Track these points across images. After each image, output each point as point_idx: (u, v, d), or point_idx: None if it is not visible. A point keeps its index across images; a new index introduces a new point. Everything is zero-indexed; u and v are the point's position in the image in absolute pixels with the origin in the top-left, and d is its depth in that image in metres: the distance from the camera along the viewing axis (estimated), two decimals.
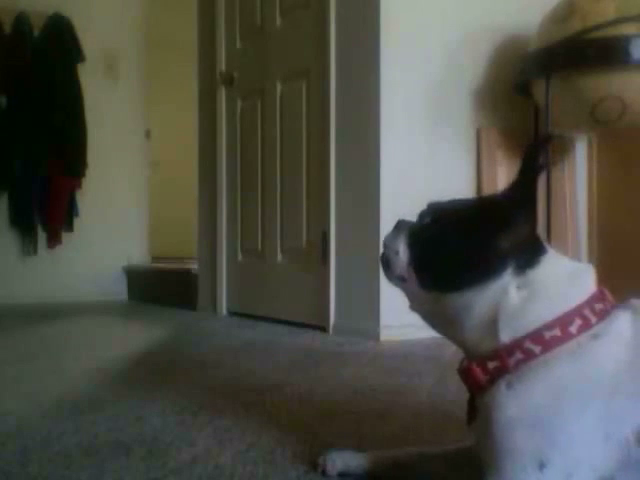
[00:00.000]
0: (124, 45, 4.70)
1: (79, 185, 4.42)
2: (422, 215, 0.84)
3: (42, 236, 4.39)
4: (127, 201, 4.71)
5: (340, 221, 2.64)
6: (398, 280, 0.83)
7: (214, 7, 3.50)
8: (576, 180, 2.87)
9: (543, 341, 0.72)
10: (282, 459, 1.01)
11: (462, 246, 0.77)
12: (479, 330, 0.76)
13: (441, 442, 1.00)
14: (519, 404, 0.71)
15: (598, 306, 0.75)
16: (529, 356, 0.72)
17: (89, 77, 4.45)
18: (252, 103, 3.26)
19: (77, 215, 4.44)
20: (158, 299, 4.18)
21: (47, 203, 4.30)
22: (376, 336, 2.39)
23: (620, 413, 0.69)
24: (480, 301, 0.75)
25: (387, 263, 0.84)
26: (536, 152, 0.78)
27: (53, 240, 4.38)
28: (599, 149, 2.87)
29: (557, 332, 0.72)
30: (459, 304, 0.76)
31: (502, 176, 2.69)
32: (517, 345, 0.73)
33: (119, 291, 4.62)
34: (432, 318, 0.83)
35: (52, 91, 4.23)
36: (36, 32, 4.30)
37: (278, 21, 3.08)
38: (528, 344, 0.73)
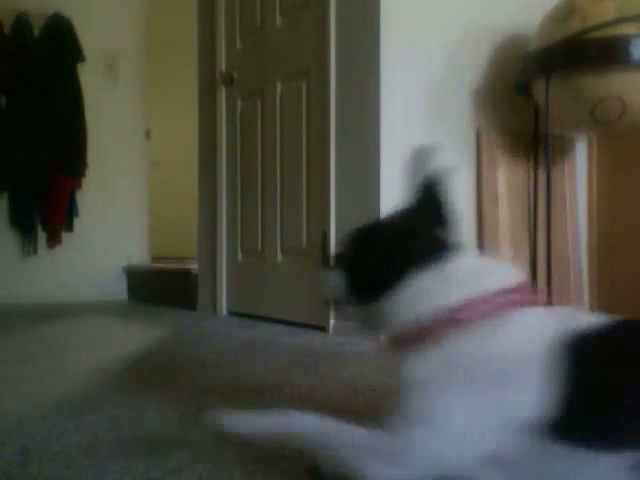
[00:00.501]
0: (124, 45, 4.70)
1: (79, 185, 4.42)
2: (345, 247, 0.98)
3: (42, 236, 4.39)
4: (127, 201, 4.71)
5: (340, 221, 2.64)
6: (335, 304, 0.99)
7: (214, 7, 3.50)
8: (576, 180, 2.87)
9: (448, 324, 0.83)
10: (282, 459, 1.01)
11: (380, 265, 0.90)
12: (401, 323, 0.87)
13: None
14: (420, 371, 0.82)
15: (508, 297, 0.84)
16: (436, 337, 0.83)
17: (89, 77, 4.45)
18: (252, 103, 3.26)
19: (77, 215, 4.44)
20: (158, 299, 4.18)
21: (47, 203, 4.30)
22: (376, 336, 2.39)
23: (515, 396, 0.76)
24: (403, 301, 0.87)
25: (331, 301, 1.00)
26: (432, 178, 0.93)
27: (53, 240, 4.38)
28: (599, 149, 2.87)
29: (461, 316, 0.82)
30: (386, 309, 0.89)
31: (502, 176, 2.69)
32: (428, 329, 0.84)
33: (119, 291, 4.62)
34: (365, 323, 0.98)
35: (52, 91, 4.23)
36: (36, 32, 4.30)
37: (278, 21, 3.08)
38: (436, 327, 0.83)
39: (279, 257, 3.06)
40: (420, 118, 2.55)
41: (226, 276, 3.43)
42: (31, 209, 4.31)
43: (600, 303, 2.84)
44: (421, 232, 0.90)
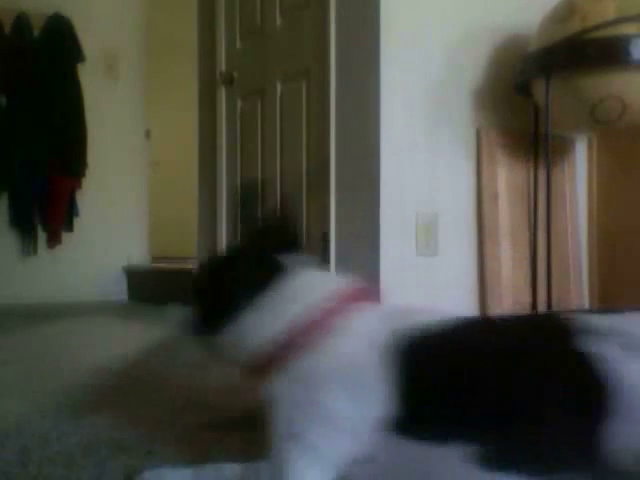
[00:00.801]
0: (124, 45, 4.70)
1: (79, 185, 4.42)
2: (192, 282, 1.06)
3: (42, 236, 4.39)
4: (127, 201, 4.71)
5: (340, 221, 2.64)
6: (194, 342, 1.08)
7: (214, 7, 3.50)
8: (576, 180, 2.87)
9: (291, 343, 0.88)
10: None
11: (218, 297, 0.97)
12: (248, 351, 0.93)
13: None
14: (281, 390, 0.87)
15: (344, 307, 0.90)
16: (283, 358, 0.88)
17: (89, 77, 4.45)
18: (252, 103, 3.26)
19: (77, 215, 4.44)
20: (158, 299, 4.18)
21: (47, 203, 4.31)
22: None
23: (364, 400, 0.80)
24: (245, 327, 0.94)
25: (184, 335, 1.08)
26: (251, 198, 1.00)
27: (53, 240, 4.38)
28: (599, 149, 2.87)
29: (302, 333, 0.88)
30: (233, 336, 0.96)
31: (502, 176, 2.69)
32: (274, 354, 0.90)
33: (119, 291, 4.62)
34: (220, 354, 1.03)
35: (52, 91, 4.23)
36: (36, 32, 4.30)
37: (278, 21, 3.08)
38: (280, 349, 0.89)
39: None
40: (420, 118, 2.55)
41: None
42: (31, 209, 4.32)
43: (600, 303, 2.84)
44: (252, 262, 0.96)
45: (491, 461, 0.74)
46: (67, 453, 1.05)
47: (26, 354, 2.26)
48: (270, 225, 1.02)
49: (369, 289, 0.95)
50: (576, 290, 2.82)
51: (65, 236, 4.42)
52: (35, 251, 4.37)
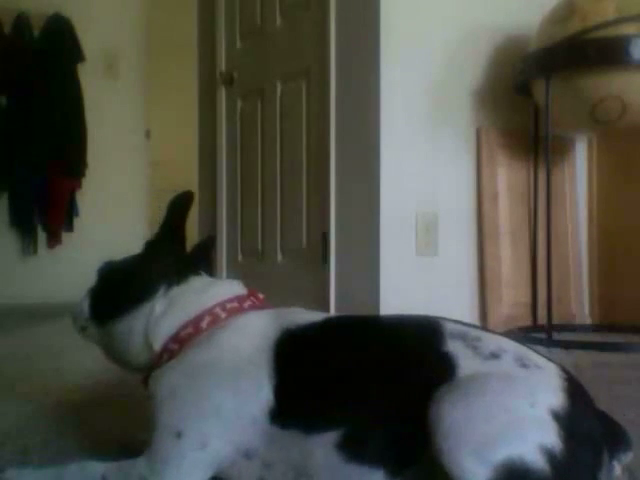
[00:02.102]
0: (124, 45, 4.70)
1: (79, 185, 4.42)
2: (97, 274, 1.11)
3: (42, 236, 4.39)
4: (127, 201, 4.71)
5: (340, 221, 2.64)
6: (81, 330, 1.08)
7: (214, 7, 3.50)
8: (576, 180, 2.87)
9: (180, 339, 0.93)
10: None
11: (118, 283, 1.03)
12: (139, 346, 0.96)
13: None
14: (162, 386, 0.87)
15: (231, 306, 0.95)
16: (172, 354, 0.92)
17: (89, 77, 4.45)
18: (252, 103, 3.26)
19: (77, 215, 4.44)
20: None
21: (47, 203, 4.30)
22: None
23: (247, 393, 0.83)
24: (137, 322, 0.96)
25: (75, 323, 1.09)
26: (180, 204, 1.12)
27: (53, 240, 4.38)
28: (599, 149, 2.87)
29: (190, 329, 0.93)
30: (122, 329, 0.98)
31: (502, 176, 2.69)
32: (164, 349, 0.94)
33: None
34: (108, 349, 1.05)
35: (52, 91, 4.23)
36: (36, 32, 4.30)
37: (278, 21, 3.08)
38: (170, 345, 0.93)
39: (279, 257, 3.06)
40: (420, 118, 2.55)
41: (226, 276, 3.43)
42: (31, 209, 4.31)
43: (600, 302, 2.84)
44: (153, 262, 1.01)
45: (353, 446, 0.79)
46: (67, 453, 1.05)
47: (26, 354, 2.25)
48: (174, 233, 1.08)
49: (260, 296, 1.01)
50: (576, 290, 2.82)
51: (65, 236, 4.42)
52: (35, 251, 4.37)
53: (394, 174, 2.48)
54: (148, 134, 4.85)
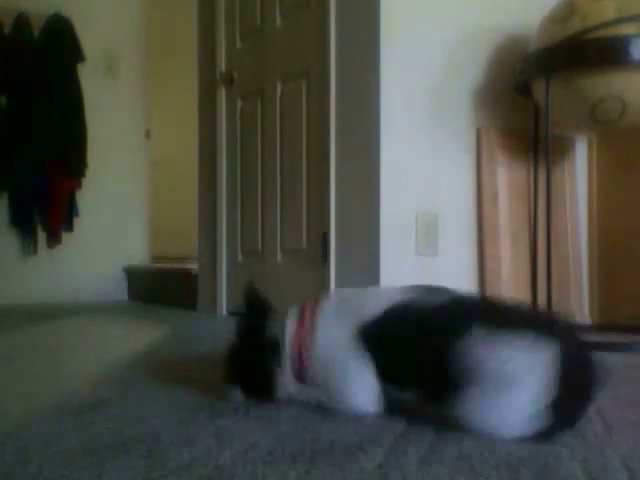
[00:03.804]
0: (124, 45, 4.70)
1: (79, 185, 4.43)
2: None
3: (42, 236, 4.39)
4: (127, 201, 4.72)
5: (340, 221, 2.65)
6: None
7: (214, 7, 3.50)
8: (576, 180, 2.87)
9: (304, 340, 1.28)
10: (282, 459, 1.01)
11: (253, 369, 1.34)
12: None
13: None
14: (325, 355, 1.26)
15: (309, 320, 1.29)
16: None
17: (89, 77, 4.45)
18: (252, 103, 3.26)
19: (77, 215, 4.45)
20: (158, 299, 4.19)
21: (47, 203, 4.31)
22: None
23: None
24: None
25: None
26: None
27: (53, 240, 4.39)
28: (599, 149, 2.87)
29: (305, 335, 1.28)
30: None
31: (502, 176, 2.69)
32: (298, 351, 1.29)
33: (119, 291, 4.62)
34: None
35: (52, 91, 4.23)
36: (36, 32, 4.30)
37: (278, 21, 3.08)
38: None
39: (279, 257, 3.06)
40: (420, 118, 2.55)
41: (226, 276, 3.43)
42: (31, 209, 4.32)
43: (600, 302, 2.84)
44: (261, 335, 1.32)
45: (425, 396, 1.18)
46: (67, 453, 1.05)
47: (26, 354, 2.26)
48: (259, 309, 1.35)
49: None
50: (576, 290, 2.82)
51: (65, 236, 4.43)
52: (35, 251, 4.37)
53: (394, 174, 2.48)
54: (148, 134, 4.85)
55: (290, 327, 1.29)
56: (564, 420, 1.09)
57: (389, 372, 1.21)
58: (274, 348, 1.29)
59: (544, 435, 1.06)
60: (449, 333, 1.13)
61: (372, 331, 1.22)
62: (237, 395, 1.35)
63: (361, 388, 1.23)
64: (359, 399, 1.24)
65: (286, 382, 1.31)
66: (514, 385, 1.06)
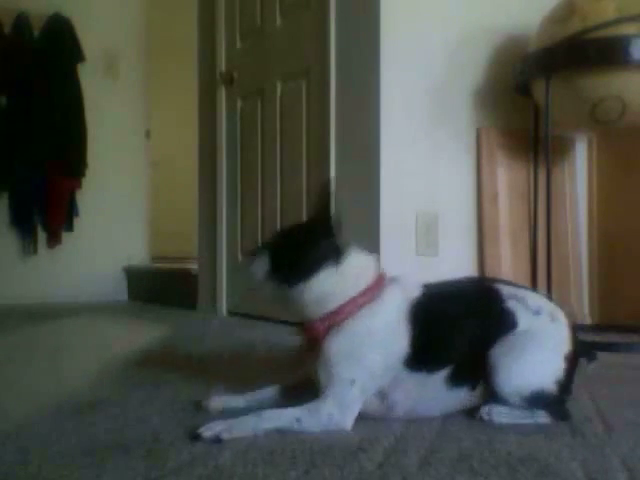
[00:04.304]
0: (124, 45, 4.70)
1: (79, 185, 4.42)
2: (270, 240, 1.33)
3: (42, 236, 4.39)
4: (127, 201, 4.72)
5: None
6: (257, 286, 1.28)
7: (214, 7, 3.50)
8: (576, 180, 2.87)
9: (351, 307, 1.22)
10: (282, 459, 1.01)
11: (297, 258, 1.23)
12: (315, 304, 1.22)
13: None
14: (339, 344, 1.20)
15: (379, 283, 1.25)
16: (345, 316, 1.21)
17: (89, 77, 4.45)
18: (252, 103, 3.26)
19: (77, 215, 4.45)
20: (158, 299, 4.18)
21: (47, 203, 4.31)
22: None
23: (392, 350, 1.20)
24: (315, 286, 1.22)
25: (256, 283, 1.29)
26: (328, 193, 1.38)
27: (53, 240, 4.39)
28: (599, 149, 2.87)
29: (357, 301, 1.22)
30: (302, 290, 1.22)
31: (502, 176, 2.69)
32: (339, 310, 1.22)
33: (119, 291, 4.62)
34: (280, 302, 1.28)
35: (52, 91, 4.23)
36: (36, 32, 4.30)
37: (278, 21, 3.08)
38: (344, 309, 1.22)
39: None
40: (420, 118, 2.55)
41: (226, 276, 3.43)
42: (31, 209, 4.32)
43: (600, 302, 2.84)
44: (324, 237, 1.25)
45: (456, 378, 1.23)
46: (67, 453, 1.05)
47: (26, 354, 2.26)
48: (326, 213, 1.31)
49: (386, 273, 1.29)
50: (576, 290, 2.82)
51: (65, 236, 4.43)
52: (35, 251, 4.37)
53: (394, 174, 2.48)
54: (148, 134, 4.85)
55: (357, 284, 1.23)
56: (566, 391, 1.24)
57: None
58: (337, 254, 1.23)
59: (555, 403, 1.22)
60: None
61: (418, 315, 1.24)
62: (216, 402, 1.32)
63: (355, 411, 1.19)
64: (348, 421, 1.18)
65: (309, 306, 1.23)
66: (544, 342, 1.23)
